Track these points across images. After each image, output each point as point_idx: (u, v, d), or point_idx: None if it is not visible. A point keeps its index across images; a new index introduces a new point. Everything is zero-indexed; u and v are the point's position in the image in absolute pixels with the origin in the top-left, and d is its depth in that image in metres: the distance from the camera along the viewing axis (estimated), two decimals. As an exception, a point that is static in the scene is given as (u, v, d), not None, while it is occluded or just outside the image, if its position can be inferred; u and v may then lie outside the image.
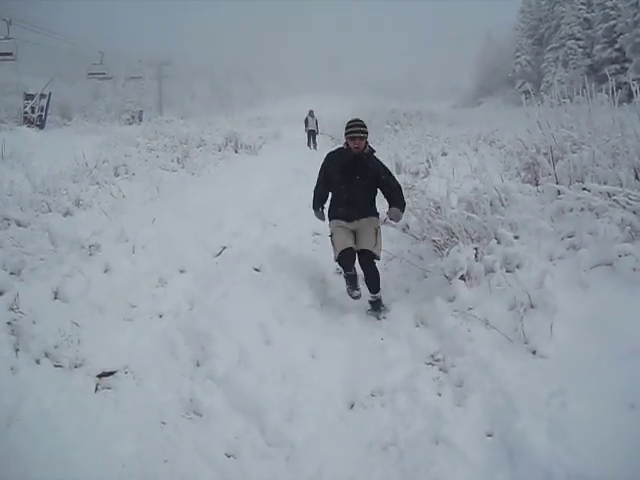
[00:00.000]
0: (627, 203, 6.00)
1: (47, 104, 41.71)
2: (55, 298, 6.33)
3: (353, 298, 6.87)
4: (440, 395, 4.95)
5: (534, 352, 4.94)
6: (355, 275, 6.92)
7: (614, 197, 6.18)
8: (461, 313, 5.78)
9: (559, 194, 7.02)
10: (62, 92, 54.30)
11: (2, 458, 4.05)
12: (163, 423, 4.87)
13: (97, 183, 11.28)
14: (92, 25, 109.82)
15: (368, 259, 6.75)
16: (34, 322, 5.62)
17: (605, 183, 6.69)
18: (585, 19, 68.70)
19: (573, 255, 5.99)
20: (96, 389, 5.26)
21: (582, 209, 6.58)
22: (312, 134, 29.46)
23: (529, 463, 3.81)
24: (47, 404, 4.70)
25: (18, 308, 5.64)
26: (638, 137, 6.89)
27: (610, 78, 8.71)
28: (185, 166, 16.43)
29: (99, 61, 51.62)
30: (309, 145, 29.05)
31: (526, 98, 10.11)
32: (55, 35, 45.77)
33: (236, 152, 22.02)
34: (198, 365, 5.67)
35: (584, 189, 6.61)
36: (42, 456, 4.12)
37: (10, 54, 32.79)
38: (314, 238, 9.11)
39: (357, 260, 6.84)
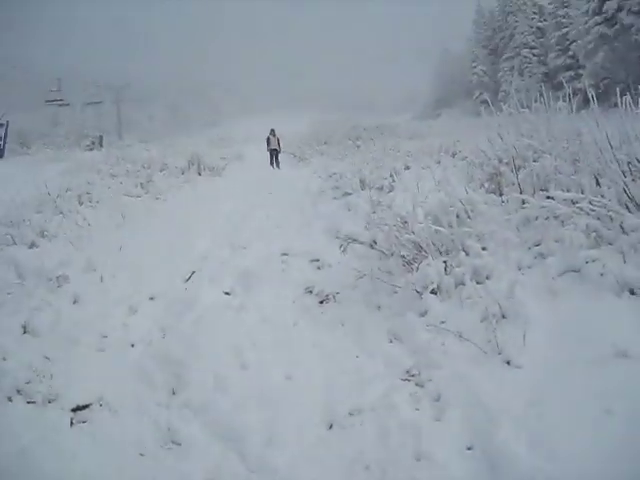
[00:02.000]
0: (590, 209, 6.07)
1: (5, 133, 41.51)
2: (24, 332, 6.33)
3: None
4: (418, 410, 4.91)
5: (508, 362, 4.95)
6: None
7: (578, 204, 6.24)
8: (434, 327, 5.76)
9: (524, 203, 7.10)
10: (20, 120, 53.86)
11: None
12: (142, 455, 4.82)
13: (61, 212, 11.20)
14: (46, 51, 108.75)
15: None
16: (4, 358, 5.63)
17: (568, 190, 6.78)
18: (538, 28, 69.95)
19: (541, 263, 6.06)
20: (71, 424, 5.20)
21: (547, 217, 6.66)
22: (275, 153, 29.13)
23: (511, 474, 3.81)
24: (24, 442, 4.65)
25: (-12, 345, 5.59)
26: (596, 143, 6.98)
27: (566, 85, 8.84)
28: (149, 191, 16.32)
29: (56, 87, 51.37)
30: (272, 164, 28.78)
31: (485, 108, 10.21)
32: (8, 63, 45.42)
33: (199, 174, 21.93)
34: (174, 393, 5.62)
35: (548, 197, 6.68)
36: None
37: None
38: (282, 258, 9.06)
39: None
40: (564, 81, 9.20)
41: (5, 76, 48.83)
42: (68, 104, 55.39)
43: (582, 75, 52.99)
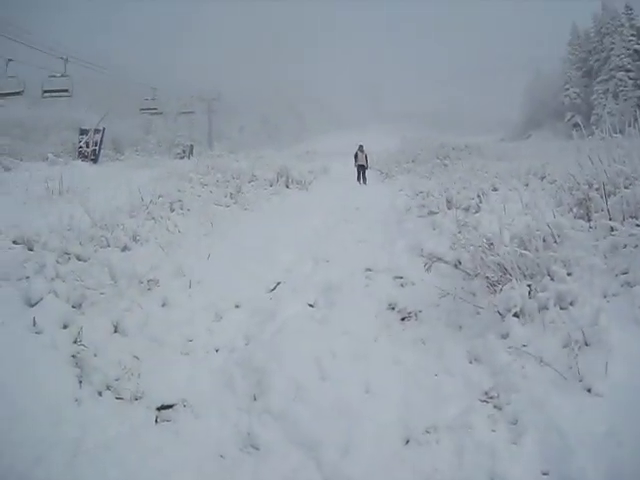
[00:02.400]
0: (682, 240, 5.98)
1: (101, 139, 42.48)
2: (115, 332, 6.55)
3: None
4: (495, 432, 4.91)
5: (589, 390, 4.89)
6: None
7: (669, 234, 6.15)
8: (515, 350, 5.73)
9: (612, 230, 7.01)
10: (115, 127, 55.20)
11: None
12: (222, 457, 4.98)
13: (153, 218, 11.48)
14: (144, 61, 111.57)
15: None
16: (95, 355, 5.83)
17: (660, 219, 6.69)
18: (635, 50, 68.41)
19: (627, 292, 5.97)
20: (156, 421, 5.42)
21: (636, 246, 6.57)
22: (362, 169, 28.99)
23: (586, 503, 3.82)
24: (111, 436, 4.86)
25: (81, 341, 5.83)
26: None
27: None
28: (238, 201, 16.62)
29: (151, 96, 52.42)
30: (359, 180, 28.62)
31: (576, 131, 10.10)
32: (108, 71, 46.77)
33: (287, 187, 22.23)
34: (255, 399, 5.77)
35: (638, 225, 6.60)
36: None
37: (66, 90, 33.70)
38: (366, 274, 9.10)
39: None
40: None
41: (104, 83, 50.34)
42: (161, 113, 56.29)
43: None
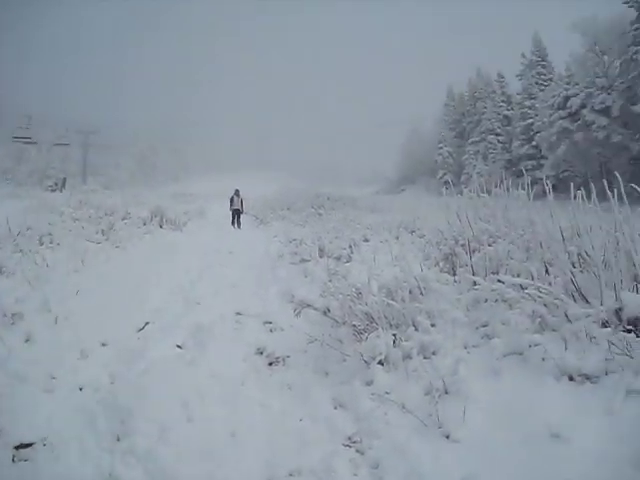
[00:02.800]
0: (538, 296, 6.29)
1: (-34, 167, 41.20)
2: (-27, 367, 6.31)
3: None
4: (356, 476, 5.01)
5: (447, 436, 5.08)
6: None
7: (526, 290, 6.47)
8: (378, 397, 5.88)
9: (475, 285, 7.32)
10: (-19, 154, 53.50)
11: None
12: (81, 498, 4.89)
13: (21, 250, 11.19)
14: (19, 88, 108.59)
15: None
16: (-48, 391, 5.61)
17: (518, 276, 7.02)
18: (505, 116, 71.95)
19: (486, 344, 6.20)
20: (13, 460, 5.25)
21: (496, 300, 6.87)
22: (237, 213, 29.21)
23: None
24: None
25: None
26: (548, 233, 7.26)
27: (526, 174, 9.16)
28: (110, 238, 16.32)
29: (25, 125, 51.12)
30: (233, 224, 28.81)
31: (446, 188, 10.50)
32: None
33: (161, 227, 21.98)
34: (118, 440, 5.64)
35: (499, 281, 6.92)
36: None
37: None
38: (237, 318, 9.14)
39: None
40: (524, 170, 9.52)
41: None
42: (35, 142, 55.06)
43: (543, 165, 54.43)
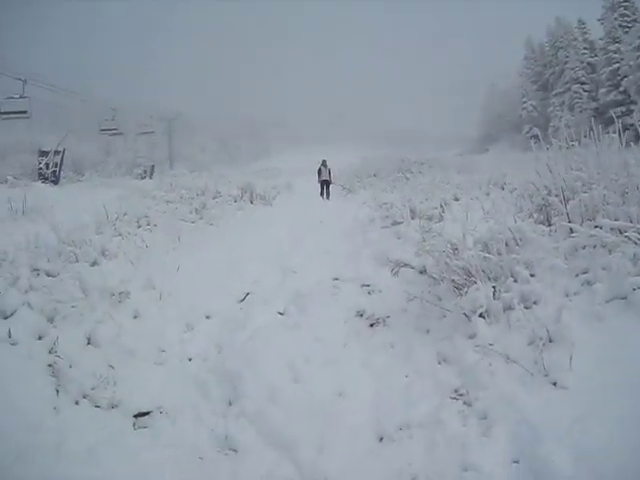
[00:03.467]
0: (638, 239, 6.17)
1: (61, 160, 42.32)
2: (88, 343, 6.57)
3: None
4: (465, 426, 5.06)
5: (555, 384, 5.06)
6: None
7: (626, 233, 6.34)
8: (482, 349, 5.86)
9: (572, 232, 7.20)
10: (75, 148, 54.77)
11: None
12: (201, 458, 5.09)
13: (120, 234, 11.46)
14: (103, 81, 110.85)
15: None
16: (70, 366, 5.86)
17: (616, 220, 6.88)
18: (589, 63, 69.60)
19: (588, 290, 6.12)
20: (134, 427, 5.50)
21: (595, 246, 6.74)
22: (325, 184, 29.00)
23: (555, 485, 3.97)
24: (90, 441, 4.93)
25: (56, 352, 5.88)
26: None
27: (616, 120, 8.92)
28: (203, 217, 16.57)
29: (111, 117, 52.07)
30: (322, 195, 28.63)
31: (534, 143, 10.32)
32: (67, 92, 46.35)
33: (252, 203, 22.20)
34: (230, 404, 5.88)
35: (596, 227, 6.80)
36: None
37: (25, 112, 33.31)
38: (334, 283, 9.20)
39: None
40: (615, 116, 9.23)
41: (63, 104, 49.76)
42: (121, 133, 55.96)
43: (633, 111, 52.67)
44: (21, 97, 33.61)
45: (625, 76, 56.70)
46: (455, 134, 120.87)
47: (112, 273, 8.51)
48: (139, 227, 13.02)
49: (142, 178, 53.30)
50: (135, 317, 7.56)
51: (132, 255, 10.00)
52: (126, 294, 7.77)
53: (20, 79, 33.99)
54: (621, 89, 59.33)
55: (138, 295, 8.00)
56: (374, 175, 34.04)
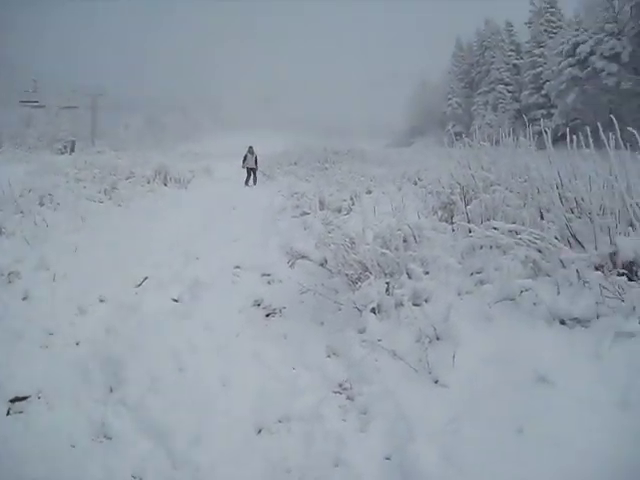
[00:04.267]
0: (531, 242, 6.26)
1: (-24, 132, 41.28)
2: (-29, 324, 6.37)
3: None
4: (345, 421, 5.08)
5: (436, 381, 5.13)
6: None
7: (519, 236, 6.45)
8: (370, 344, 5.92)
9: (470, 232, 7.30)
10: (-9, 119, 53.55)
11: None
12: (72, 446, 4.95)
13: (21, 212, 11.22)
14: (25, 51, 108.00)
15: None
16: (-52, 345, 5.68)
17: (513, 222, 6.98)
18: (514, 65, 71.28)
19: (479, 290, 6.22)
20: (8, 413, 5.33)
21: (491, 247, 6.86)
22: (253, 171, 28.02)
23: (420, 484, 4.01)
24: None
25: None
26: (544, 179, 7.19)
27: (530, 124, 9.04)
28: (112, 197, 16.34)
29: (32, 89, 51.00)
30: (247, 183, 27.55)
31: (449, 141, 10.45)
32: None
33: (165, 185, 21.99)
34: (111, 391, 5.75)
35: (494, 228, 6.89)
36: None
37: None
38: (235, 271, 9.19)
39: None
40: (526, 120, 9.38)
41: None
42: (43, 106, 54.97)
43: (553, 114, 53.96)
44: None
45: (547, 80, 58.02)
46: (385, 126, 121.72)
47: (6, 252, 8.28)
48: (42, 205, 12.74)
49: (62, 153, 52.19)
50: (24, 298, 7.35)
51: (29, 234, 9.74)
52: (16, 274, 7.55)
53: None
54: (543, 92, 60.68)
55: (30, 276, 7.82)
56: (295, 163, 34.03)
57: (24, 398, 5.56)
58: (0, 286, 7.26)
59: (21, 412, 5.38)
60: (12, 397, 5.52)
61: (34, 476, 4.51)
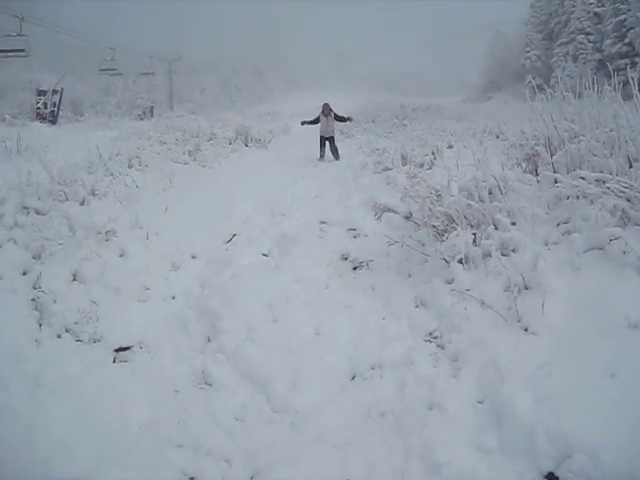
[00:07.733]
0: (619, 190, 6.21)
1: (59, 100, 42.12)
2: (74, 280, 6.66)
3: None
4: (436, 367, 5.19)
5: (526, 329, 5.16)
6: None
7: (607, 185, 6.39)
8: (459, 294, 5.97)
9: (556, 182, 7.25)
10: (73, 88, 54.59)
11: (29, 415, 4.40)
12: (176, 391, 5.22)
13: (111, 174, 11.50)
14: (102, 21, 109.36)
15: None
16: (55, 301, 5.97)
17: (600, 172, 6.90)
18: (595, 13, 68.45)
19: (567, 240, 6.17)
20: (114, 361, 5.63)
21: (577, 196, 6.80)
22: (329, 140, 19.69)
23: (514, 424, 4.09)
24: (70, 372, 5.06)
25: (40, 287, 5.98)
26: (632, 128, 7.09)
27: (615, 74, 8.86)
28: (196, 159, 16.69)
29: (110, 57, 51.75)
30: (322, 155, 19.58)
31: (530, 93, 10.32)
32: (66, 31, 45.94)
33: (246, 146, 22.23)
34: (209, 341, 6.01)
35: (580, 177, 6.83)
36: (65, 415, 4.49)
37: (22, 50, 33.01)
38: (321, 226, 9.30)
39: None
40: (611, 70, 9.14)
41: (61, 43, 49.31)
42: (121, 74, 55.65)
43: (638, 63, 52.15)
44: (19, 35, 33.28)
45: (631, 28, 55.92)
46: (460, 82, 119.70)
47: (101, 212, 8.56)
48: (131, 167, 13.08)
49: (141, 119, 53.11)
50: (121, 255, 7.62)
51: (121, 195, 10.03)
52: (113, 232, 7.82)
53: (17, 16, 33.60)
54: (626, 41, 58.53)
55: (125, 234, 8.07)
56: (372, 121, 33.73)
57: (127, 348, 5.86)
58: (98, 244, 7.51)
59: (126, 361, 5.66)
60: (116, 347, 5.82)
61: (141, 417, 4.77)
